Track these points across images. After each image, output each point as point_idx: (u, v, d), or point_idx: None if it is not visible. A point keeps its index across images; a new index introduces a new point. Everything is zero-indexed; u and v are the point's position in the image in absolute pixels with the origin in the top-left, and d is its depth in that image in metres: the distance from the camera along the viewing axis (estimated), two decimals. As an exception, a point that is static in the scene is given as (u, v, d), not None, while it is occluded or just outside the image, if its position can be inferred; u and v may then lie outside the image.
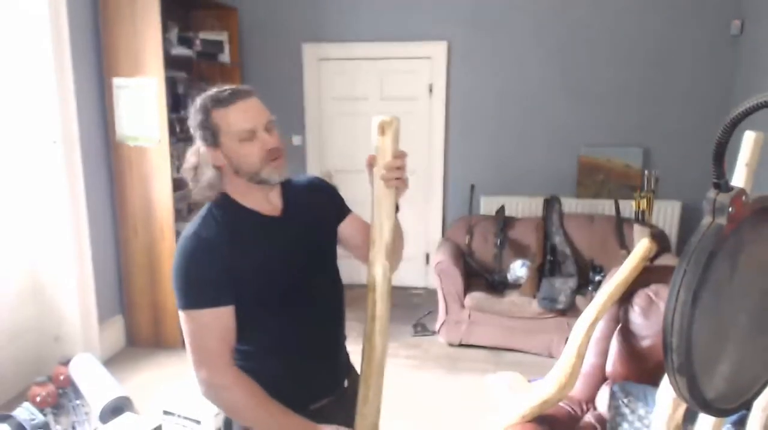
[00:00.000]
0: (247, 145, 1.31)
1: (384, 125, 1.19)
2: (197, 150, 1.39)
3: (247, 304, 1.35)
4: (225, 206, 1.37)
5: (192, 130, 1.36)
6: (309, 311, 1.43)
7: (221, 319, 1.31)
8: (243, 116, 1.30)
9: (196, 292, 1.30)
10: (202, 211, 1.38)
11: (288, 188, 1.47)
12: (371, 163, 1.19)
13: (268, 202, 1.40)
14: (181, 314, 1.32)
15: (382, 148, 1.20)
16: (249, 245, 1.34)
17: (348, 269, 1.78)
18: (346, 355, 1.61)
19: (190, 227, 1.36)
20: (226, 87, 1.35)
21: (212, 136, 1.32)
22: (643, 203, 3.54)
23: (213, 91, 1.34)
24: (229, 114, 1.30)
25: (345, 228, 1.55)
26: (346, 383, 1.55)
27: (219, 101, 1.31)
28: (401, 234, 1.45)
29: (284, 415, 1.33)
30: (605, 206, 4.35)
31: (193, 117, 1.34)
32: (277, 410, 1.32)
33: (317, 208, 1.50)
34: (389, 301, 1.22)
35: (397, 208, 1.32)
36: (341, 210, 1.58)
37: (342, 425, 1.37)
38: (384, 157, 1.20)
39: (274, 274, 1.36)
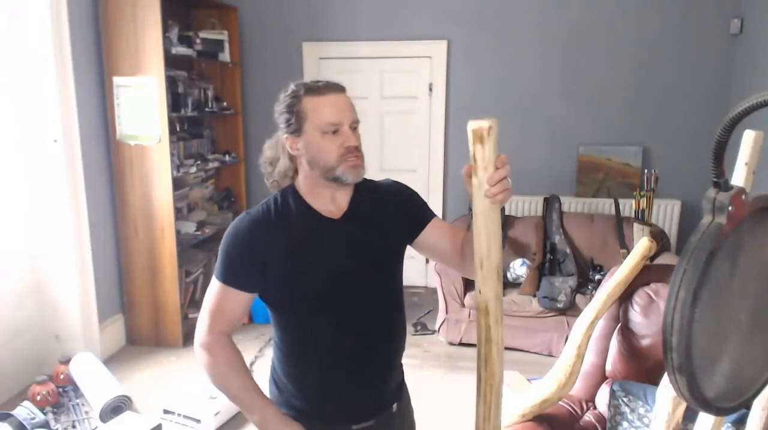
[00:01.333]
0: (329, 139, 1.28)
1: (482, 133, 1.00)
2: (275, 142, 1.40)
3: (283, 302, 1.35)
4: (287, 199, 1.37)
5: (276, 116, 1.35)
6: (357, 321, 1.36)
7: (237, 301, 1.34)
8: (332, 109, 1.29)
9: (227, 268, 1.33)
10: (267, 198, 1.40)
11: (361, 191, 1.41)
12: (469, 174, 1.04)
13: (332, 203, 1.36)
14: (213, 278, 1.37)
15: (483, 160, 1.02)
16: (295, 242, 1.32)
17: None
18: (401, 375, 1.52)
19: (251, 209, 1.39)
20: (321, 79, 1.34)
21: (297, 123, 1.30)
22: (643, 202, 3.53)
23: (308, 80, 1.34)
24: (319, 103, 1.29)
25: (427, 236, 1.46)
26: (395, 407, 1.47)
27: (312, 89, 1.30)
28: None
29: (250, 393, 1.33)
30: (605, 205, 4.35)
31: (281, 101, 1.33)
32: (248, 386, 1.34)
33: (387, 215, 1.42)
34: (502, 323, 1.11)
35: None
36: (421, 217, 1.47)
37: None
38: (486, 170, 1.02)
39: (316, 276, 1.32)
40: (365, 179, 1.41)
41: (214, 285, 1.35)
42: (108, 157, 3.62)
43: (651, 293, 2.14)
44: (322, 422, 1.38)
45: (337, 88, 1.32)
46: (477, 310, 1.10)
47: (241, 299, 1.34)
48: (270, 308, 1.39)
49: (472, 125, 1.00)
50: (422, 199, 1.51)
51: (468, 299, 3.73)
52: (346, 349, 1.36)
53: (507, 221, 4.18)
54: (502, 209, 4.20)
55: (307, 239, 1.33)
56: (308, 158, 1.32)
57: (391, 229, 1.42)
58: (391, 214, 1.43)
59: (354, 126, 1.33)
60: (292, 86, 1.34)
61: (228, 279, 1.33)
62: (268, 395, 1.44)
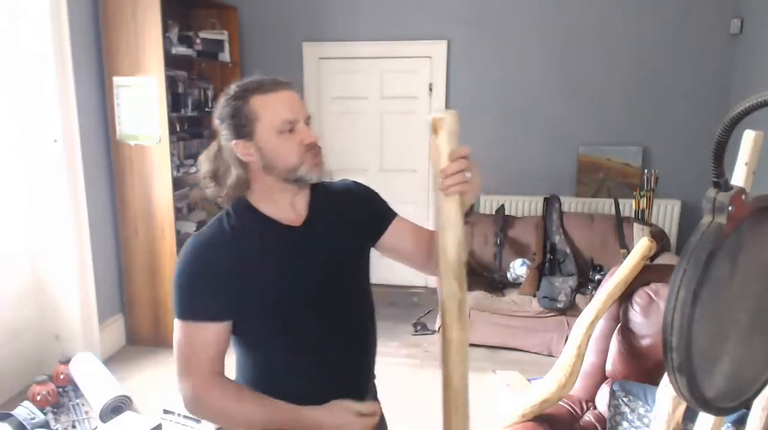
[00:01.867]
0: (286, 138, 1.19)
1: (435, 123, 1.00)
2: (213, 155, 1.28)
3: (252, 321, 1.24)
4: (241, 212, 1.26)
5: (218, 123, 1.24)
6: (335, 326, 1.29)
7: (215, 335, 1.21)
8: (285, 105, 1.20)
9: (194, 303, 1.20)
10: (216, 216, 1.28)
11: (318, 194, 1.33)
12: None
13: (291, 209, 1.27)
14: (175, 323, 1.23)
15: (435, 151, 1.03)
16: (259, 257, 1.22)
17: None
18: (374, 387, 1.45)
19: (200, 231, 1.26)
20: (264, 77, 1.23)
21: (247, 126, 1.19)
22: (643, 202, 3.54)
23: (249, 79, 1.23)
24: (270, 102, 1.19)
25: (390, 236, 1.39)
26: None
27: (259, 88, 1.20)
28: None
29: (279, 412, 1.21)
30: (605, 205, 4.35)
31: (224, 105, 1.22)
32: (268, 405, 1.21)
33: (348, 217, 1.34)
34: (465, 325, 1.07)
35: (468, 211, 1.18)
36: (382, 218, 1.41)
37: None
38: (439, 162, 1.03)
39: (284, 290, 1.23)
40: (321, 182, 1.31)
41: (182, 328, 1.21)
42: (108, 157, 3.62)
43: (651, 293, 2.14)
44: None
45: (285, 85, 1.23)
46: (441, 308, 1.08)
47: (220, 332, 1.21)
48: (237, 333, 1.26)
49: (431, 116, 1.02)
50: (383, 199, 1.45)
51: (468, 299, 3.72)
52: (328, 356, 1.29)
53: (507, 221, 4.18)
54: (502, 209, 4.21)
55: (271, 251, 1.24)
56: (264, 162, 1.21)
57: (355, 230, 1.35)
58: (352, 215, 1.36)
59: (308, 122, 1.24)
60: (233, 87, 1.23)
61: (198, 314, 1.19)
62: None
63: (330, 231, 1.31)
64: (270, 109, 1.19)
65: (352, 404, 1.22)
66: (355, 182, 1.45)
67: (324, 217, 1.32)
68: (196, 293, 1.20)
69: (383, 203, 1.45)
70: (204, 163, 1.29)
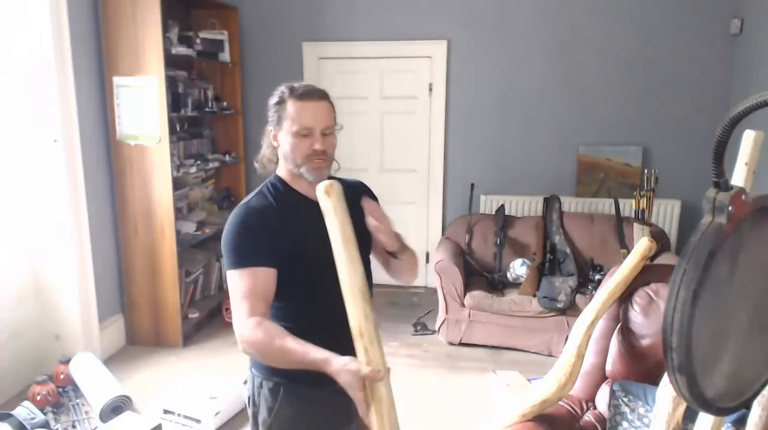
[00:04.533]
0: (299, 140, 1.48)
1: (327, 188, 1.29)
2: (266, 130, 1.59)
3: (286, 273, 1.47)
4: (278, 186, 1.56)
5: (268, 108, 1.54)
6: (338, 292, 1.40)
7: (266, 278, 1.44)
8: (306, 114, 1.48)
9: (245, 253, 1.45)
10: (259, 188, 1.58)
11: None
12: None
13: (312, 189, 1.45)
14: (230, 274, 1.46)
15: (330, 210, 1.29)
16: (296, 219, 1.49)
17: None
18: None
19: (248, 200, 1.54)
20: (308, 84, 1.53)
21: (278, 119, 1.51)
22: (643, 202, 3.54)
23: (298, 84, 1.53)
24: (297, 107, 1.48)
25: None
26: None
27: (294, 93, 1.49)
28: (412, 255, 1.63)
29: (311, 352, 1.31)
30: (605, 205, 4.36)
31: (273, 96, 1.54)
32: (304, 348, 1.31)
33: (359, 208, 1.51)
34: (380, 343, 1.20)
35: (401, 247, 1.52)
36: None
37: None
38: (336, 214, 1.28)
39: (317, 253, 1.40)
40: (335, 176, 1.60)
41: (238, 275, 1.43)
42: (108, 157, 3.62)
43: (651, 293, 2.14)
44: (309, 384, 1.44)
45: (316, 96, 1.50)
46: (372, 397, 1.20)
47: (269, 276, 1.44)
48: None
49: (319, 187, 1.31)
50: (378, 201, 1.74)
51: (468, 299, 3.73)
52: (334, 318, 1.37)
53: (507, 221, 4.18)
54: (502, 209, 4.21)
55: (306, 217, 1.47)
56: (282, 152, 1.53)
57: (362, 215, 1.54)
58: (361, 209, 1.57)
59: (326, 132, 1.50)
60: (282, 87, 1.53)
61: (253, 261, 1.43)
62: (250, 366, 1.60)
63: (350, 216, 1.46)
64: (297, 114, 1.48)
65: (360, 367, 1.25)
66: (362, 182, 1.72)
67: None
68: (249, 246, 1.46)
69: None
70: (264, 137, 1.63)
